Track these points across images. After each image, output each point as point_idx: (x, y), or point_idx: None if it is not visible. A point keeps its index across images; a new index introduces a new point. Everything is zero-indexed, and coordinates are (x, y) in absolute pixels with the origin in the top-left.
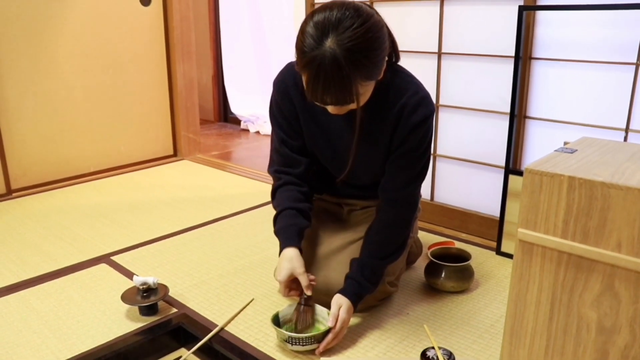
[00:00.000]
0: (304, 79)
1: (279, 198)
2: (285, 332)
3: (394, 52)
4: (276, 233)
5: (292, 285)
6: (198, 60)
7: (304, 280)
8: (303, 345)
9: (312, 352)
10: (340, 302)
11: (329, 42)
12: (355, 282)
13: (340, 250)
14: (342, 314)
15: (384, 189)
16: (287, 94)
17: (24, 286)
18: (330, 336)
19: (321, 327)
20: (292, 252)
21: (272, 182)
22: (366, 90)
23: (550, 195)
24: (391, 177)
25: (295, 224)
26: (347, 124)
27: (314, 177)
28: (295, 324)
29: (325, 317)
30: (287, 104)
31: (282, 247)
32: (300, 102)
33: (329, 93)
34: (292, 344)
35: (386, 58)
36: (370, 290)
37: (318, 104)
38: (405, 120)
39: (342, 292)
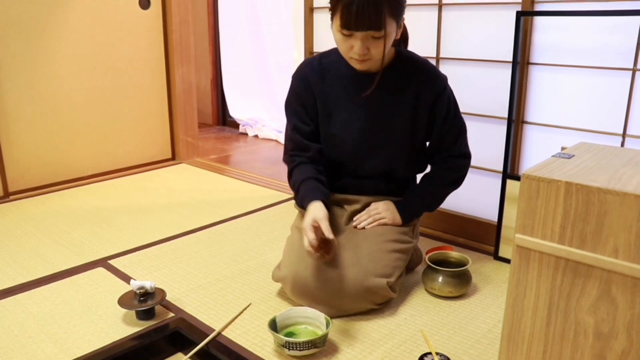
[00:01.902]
0: (338, 16)
1: (296, 174)
2: (282, 337)
3: (405, 37)
4: (300, 200)
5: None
6: (197, 63)
7: (324, 224)
8: (300, 350)
9: (309, 357)
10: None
11: None
12: (402, 200)
13: (341, 253)
14: (378, 203)
15: (437, 152)
16: (306, 80)
17: (20, 290)
18: (364, 212)
19: (318, 332)
20: (316, 203)
21: (287, 164)
22: (390, 32)
23: (547, 201)
24: (441, 142)
25: (318, 188)
26: (366, 101)
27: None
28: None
29: (323, 322)
30: (305, 91)
31: (306, 205)
32: (319, 87)
33: (362, 17)
34: (289, 349)
35: (404, 18)
36: (415, 205)
37: (348, 38)
38: (425, 92)
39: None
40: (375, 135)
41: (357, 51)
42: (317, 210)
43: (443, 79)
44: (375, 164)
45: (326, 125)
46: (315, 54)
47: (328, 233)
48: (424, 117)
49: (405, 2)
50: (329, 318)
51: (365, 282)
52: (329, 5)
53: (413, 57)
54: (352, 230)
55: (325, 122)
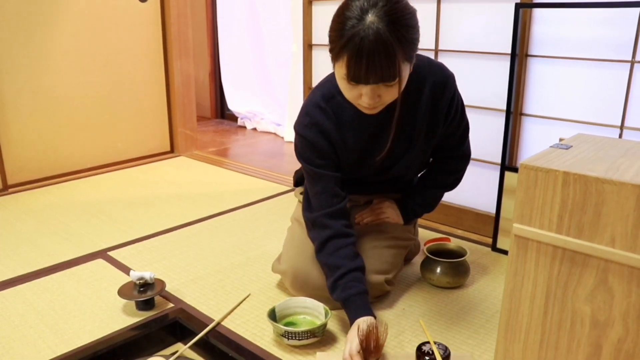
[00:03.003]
0: (342, 63)
1: (336, 255)
2: (281, 326)
3: None
4: (342, 300)
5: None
6: (195, 56)
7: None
8: (299, 340)
9: (308, 346)
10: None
11: (370, 18)
12: (403, 200)
13: None
14: (383, 202)
15: (442, 149)
16: (322, 131)
17: (20, 281)
18: (367, 209)
19: (317, 322)
20: (369, 319)
21: (314, 226)
22: (404, 77)
23: (545, 191)
24: (444, 142)
25: (366, 292)
26: (384, 131)
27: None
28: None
29: (322, 312)
30: (324, 141)
31: (354, 318)
32: (336, 136)
33: (374, 68)
34: (288, 339)
35: (416, 50)
36: (415, 208)
37: (356, 86)
38: (439, 99)
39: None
40: (394, 158)
41: (367, 102)
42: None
43: (452, 80)
44: (388, 177)
45: (347, 168)
46: (314, 95)
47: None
48: (440, 124)
49: (419, 39)
50: (327, 308)
51: None
52: (328, 44)
53: (419, 63)
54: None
55: (346, 167)
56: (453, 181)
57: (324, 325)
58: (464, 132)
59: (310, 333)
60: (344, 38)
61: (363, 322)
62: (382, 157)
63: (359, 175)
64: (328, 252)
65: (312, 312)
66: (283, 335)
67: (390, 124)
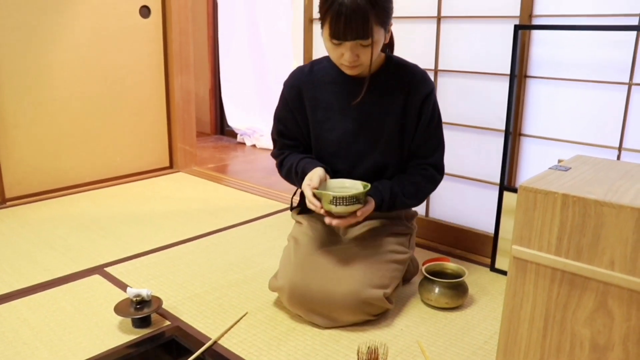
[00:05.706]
0: (326, 25)
1: (289, 159)
2: (330, 193)
3: (391, 43)
4: (301, 175)
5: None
6: (196, 73)
7: (315, 180)
8: (346, 206)
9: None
10: None
11: None
12: (379, 193)
13: (338, 263)
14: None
15: (416, 156)
16: (296, 87)
17: (15, 296)
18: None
19: (361, 189)
20: (317, 169)
21: (273, 148)
22: (378, 39)
23: (544, 213)
24: (419, 147)
25: (317, 163)
26: (357, 105)
27: None
28: None
29: (360, 188)
30: (295, 98)
31: (307, 171)
32: (309, 92)
33: (350, 27)
34: (336, 205)
35: (391, 23)
36: (384, 207)
37: (338, 46)
38: (415, 91)
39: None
40: (368, 137)
41: (347, 59)
42: (316, 171)
43: (431, 83)
44: (368, 165)
45: (318, 130)
46: (306, 63)
47: (315, 184)
48: (414, 118)
49: (392, 9)
50: (365, 183)
51: (361, 294)
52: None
53: (403, 61)
54: (348, 241)
55: (317, 127)
56: (425, 186)
57: (367, 192)
58: (438, 145)
59: (356, 198)
60: (327, 3)
61: (315, 175)
62: (357, 103)
63: (338, 148)
64: (287, 162)
65: (351, 190)
66: (331, 202)
67: (359, 95)
